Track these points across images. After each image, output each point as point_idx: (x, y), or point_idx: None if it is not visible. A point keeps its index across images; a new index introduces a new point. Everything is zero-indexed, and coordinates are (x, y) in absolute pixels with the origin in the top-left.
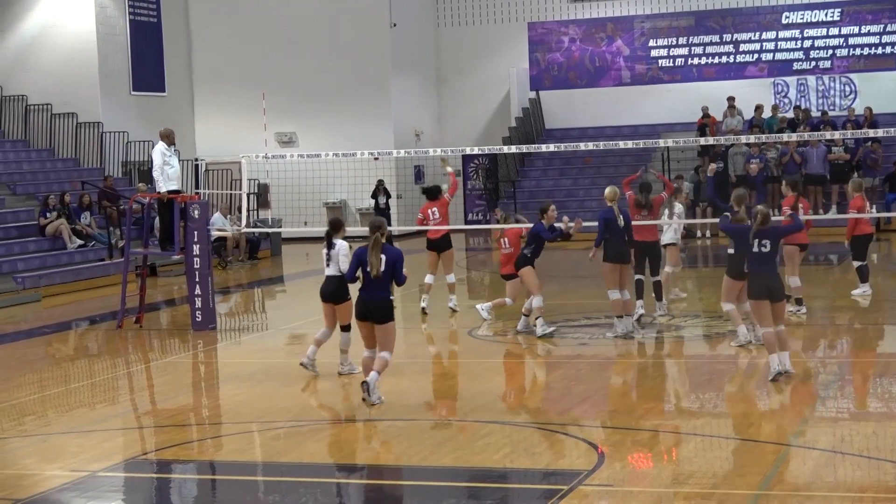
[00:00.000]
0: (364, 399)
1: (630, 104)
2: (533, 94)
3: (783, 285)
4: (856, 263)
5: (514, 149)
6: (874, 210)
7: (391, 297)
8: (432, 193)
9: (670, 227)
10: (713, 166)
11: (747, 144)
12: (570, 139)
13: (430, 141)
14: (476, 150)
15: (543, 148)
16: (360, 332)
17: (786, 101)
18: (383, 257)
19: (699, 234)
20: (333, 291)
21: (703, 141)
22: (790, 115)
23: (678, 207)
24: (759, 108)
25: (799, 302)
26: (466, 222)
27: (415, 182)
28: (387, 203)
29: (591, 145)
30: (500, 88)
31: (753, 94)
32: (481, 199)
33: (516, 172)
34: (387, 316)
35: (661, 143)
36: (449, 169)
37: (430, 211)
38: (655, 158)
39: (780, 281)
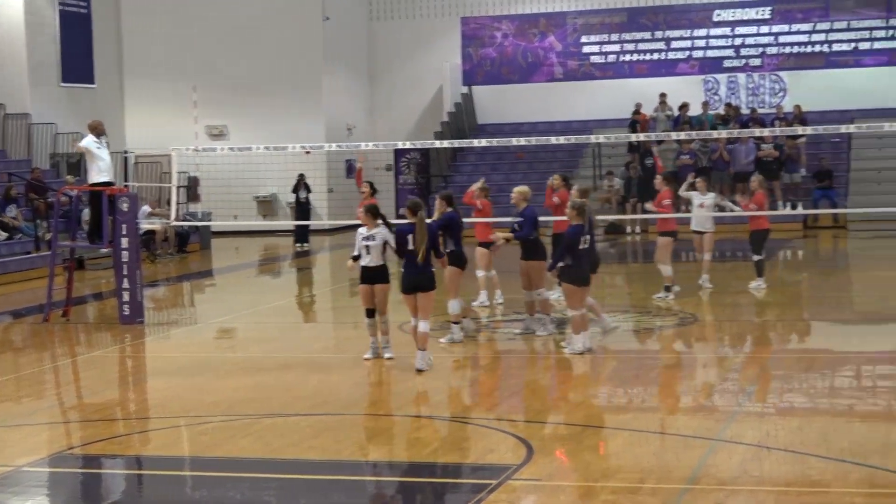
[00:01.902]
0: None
1: (562, 100)
2: (465, 89)
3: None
4: (755, 258)
5: (446, 143)
6: (794, 208)
7: (433, 269)
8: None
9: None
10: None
11: (677, 141)
12: (503, 134)
13: (362, 135)
14: (408, 145)
15: (476, 143)
16: (408, 304)
17: (716, 98)
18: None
19: (629, 230)
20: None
21: (633, 137)
22: (720, 111)
23: (707, 197)
24: (685, 106)
25: (667, 289)
26: (397, 217)
27: (346, 176)
28: (307, 198)
29: (523, 141)
30: (433, 83)
31: (685, 91)
32: (413, 193)
33: (448, 167)
34: (432, 285)
35: (593, 139)
36: (358, 165)
37: None
38: (587, 154)
39: (592, 270)
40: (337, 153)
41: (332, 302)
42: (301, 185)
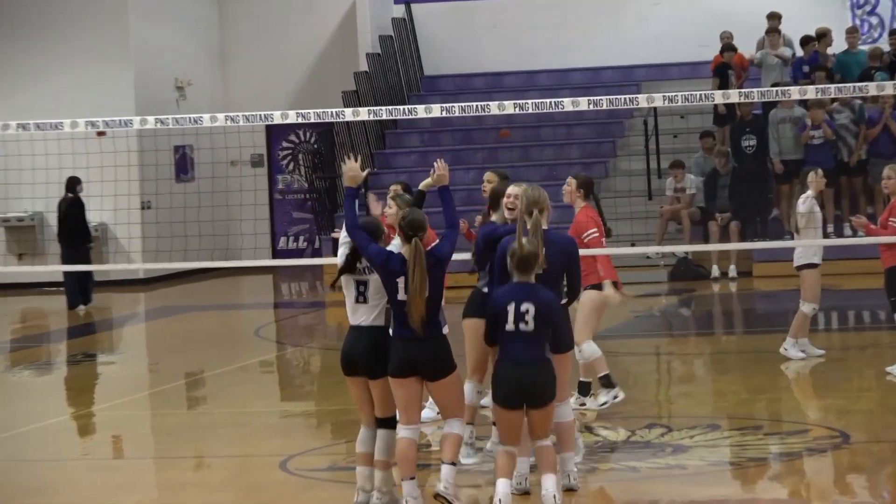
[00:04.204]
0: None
1: (582, 30)
2: (399, 11)
3: (548, 383)
4: None
5: (364, 115)
6: None
7: (444, 333)
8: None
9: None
10: None
11: (803, 103)
12: (470, 94)
13: (206, 100)
14: (292, 118)
15: (421, 111)
16: (397, 393)
17: (872, 20)
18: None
19: (716, 270)
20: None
21: (719, 97)
22: (883, 45)
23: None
24: (824, 36)
25: (607, 383)
26: (276, 253)
27: (176, 176)
28: (76, 224)
29: (509, 106)
30: (338, 1)
31: (812, 11)
32: (305, 208)
33: (370, 158)
34: (445, 365)
35: (643, 101)
36: None
37: None
38: (631, 130)
39: (547, 371)
40: (158, 134)
41: (152, 418)
42: (72, 197)
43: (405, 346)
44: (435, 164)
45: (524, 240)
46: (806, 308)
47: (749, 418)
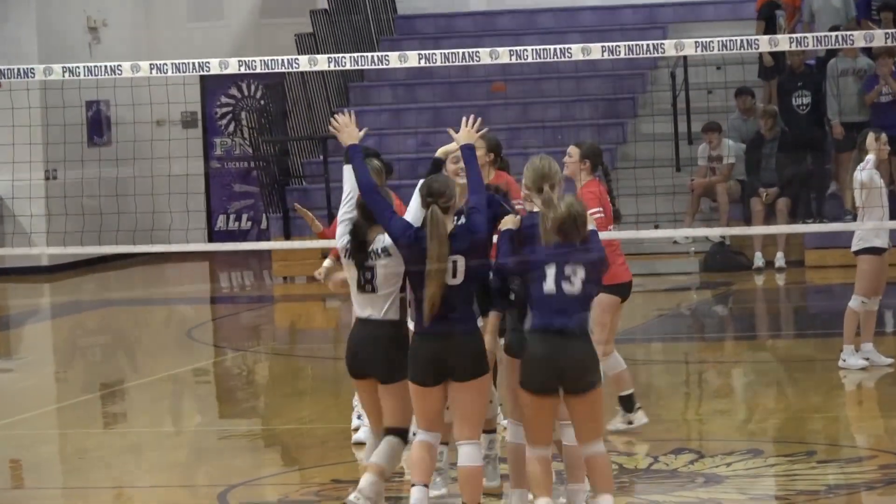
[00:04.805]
0: None
1: None
2: None
3: (592, 361)
4: None
5: (323, 62)
6: None
7: (479, 327)
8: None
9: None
10: None
11: (867, 50)
12: (455, 38)
13: (125, 44)
14: (233, 67)
15: (394, 59)
16: (418, 403)
17: None
18: (459, 261)
19: (759, 259)
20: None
21: (765, 44)
22: None
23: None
24: None
25: (629, 407)
26: (213, 235)
27: (89, 140)
28: None
29: (503, 54)
30: None
31: None
32: (249, 179)
33: (331, 116)
34: (479, 364)
35: (670, 48)
36: None
37: None
38: (655, 84)
39: (588, 352)
40: (66, 87)
41: (60, 439)
42: None
43: (432, 344)
44: (464, 119)
45: (557, 199)
46: (853, 302)
47: (799, 442)
